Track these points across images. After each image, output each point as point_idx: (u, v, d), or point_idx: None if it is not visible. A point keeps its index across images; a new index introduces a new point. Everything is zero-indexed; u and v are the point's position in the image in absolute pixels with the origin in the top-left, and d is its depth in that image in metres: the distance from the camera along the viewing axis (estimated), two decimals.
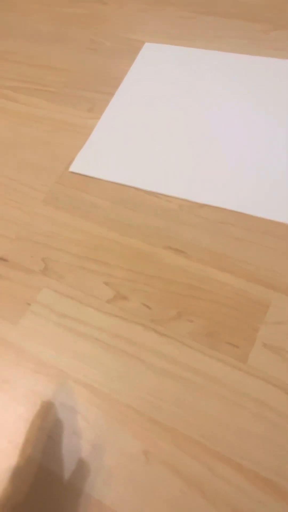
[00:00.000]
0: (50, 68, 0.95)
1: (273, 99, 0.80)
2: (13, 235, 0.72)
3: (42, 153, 0.81)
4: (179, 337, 0.59)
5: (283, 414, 0.52)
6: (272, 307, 0.60)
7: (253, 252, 0.64)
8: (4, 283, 0.67)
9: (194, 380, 0.56)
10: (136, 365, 0.58)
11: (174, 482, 0.50)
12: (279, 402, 0.53)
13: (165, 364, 0.57)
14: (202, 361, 0.57)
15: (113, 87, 0.88)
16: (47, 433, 0.55)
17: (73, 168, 0.78)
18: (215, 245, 0.66)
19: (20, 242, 0.71)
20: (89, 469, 0.52)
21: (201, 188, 0.71)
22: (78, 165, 0.78)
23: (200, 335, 0.59)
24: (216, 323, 0.60)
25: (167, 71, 0.88)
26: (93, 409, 0.56)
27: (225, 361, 0.57)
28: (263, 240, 0.65)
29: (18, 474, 0.53)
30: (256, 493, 0.49)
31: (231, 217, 0.68)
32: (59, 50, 0.98)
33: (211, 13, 0.98)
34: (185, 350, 0.58)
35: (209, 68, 0.87)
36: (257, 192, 0.69)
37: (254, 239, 0.65)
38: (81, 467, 0.52)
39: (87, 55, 0.95)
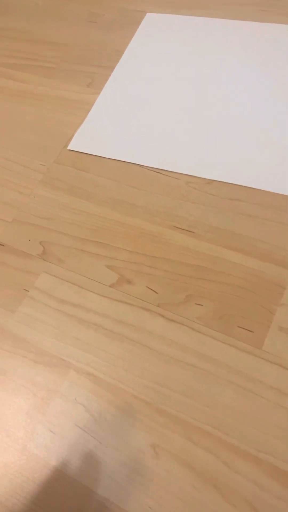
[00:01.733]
0: (48, 43, 0.90)
1: (284, 67, 0.75)
2: (9, 218, 0.68)
3: (39, 131, 0.77)
4: (188, 322, 0.55)
5: None
6: None
7: (267, 230, 0.59)
8: (0, 268, 0.63)
9: (205, 367, 0.52)
10: (142, 353, 0.54)
11: (186, 477, 0.46)
12: None
13: (174, 351, 0.53)
14: (214, 347, 0.53)
15: (114, 60, 0.83)
16: (48, 426, 0.51)
17: (72, 146, 0.73)
18: (226, 223, 0.61)
19: (17, 225, 0.67)
20: (93, 465, 0.48)
21: (209, 163, 0.66)
22: (77, 143, 0.73)
23: (211, 320, 0.55)
24: (228, 306, 0.55)
25: (170, 42, 0.83)
26: (97, 400, 0.52)
27: (238, 347, 0.52)
28: (278, 216, 0.60)
29: (17, 470, 0.49)
30: (276, 488, 0.45)
31: (242, 193, 0.63)
32: (57, 24, 0.93)
33: None
34: (195, 336, 0.54)
35: (215, 37, 0.82)
36: (268, 166, 0.64)
37: (268, 216, 0.60)
38: (85, 462, 0.49)
39: (86, 29, 0.90)
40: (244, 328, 0.53)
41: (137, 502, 0.46)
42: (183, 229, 0.62)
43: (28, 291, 0.61)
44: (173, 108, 0.74)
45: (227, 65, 0.77)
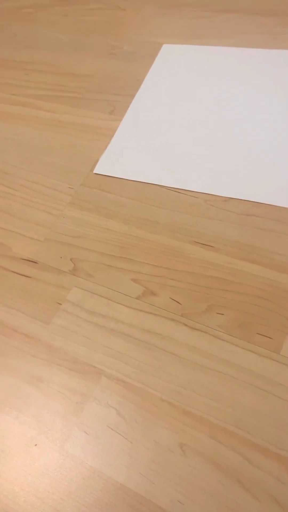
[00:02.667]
0: (73, 75, 0.97)
1: None
2: (41, 237, 0.73)
3: (67, 157, 0.83)
4: (210, 330, 0.59)
5: None
6: None
7: (283, 243, 0.63)
8: (35, 284, 0.69)
9: (227, 372, 0.55)
10: (168, 359, 0.58)
11: (212, 474, 0.50)
12: None
13: (197, 357, 0.57)
14: (235, 353, 0.57)
15: (134, 89, 0.89)
16: (83, 428, 0.55)
17: (97, 169, 0.79)
18: (244, 237, 0.66)
19: (49, 243, 0.72)
20: (126, 463, 0.52)
21: (226, 182, 0.71)
22: (102, 167, 0.79)
23: (232, 327, 0.59)
24: (248, 315, 0.59)
25: (186, 70, 0.89)
26: (127, 404, 0.56)
27: (258, 352, 0.56)
28: None
29: (56, 468, 0.54)
30: None
31: (258, 209, 0.67)
32: (80, 57, 1.00)
33: (228, 11, 0.98)
34: (217, 343, 0.58)
35: (228, 64, 0.88)
36: (282, 183, 0.69)
37: (283, 230, 0.65)
38: (118, 461, 0.52)
39: (107, 60, 0.97)
40: (263, 335, 0.57)
41: (167, 497, 0.49)
42: (203, 244, 0.66)
43: (61, 304, 0.66)
44: (190, 131, 0.79)
45: (241, 90, 0.83)
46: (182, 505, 0.49)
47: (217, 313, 0.60)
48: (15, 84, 1.00)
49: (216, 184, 0.71)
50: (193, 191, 0.72)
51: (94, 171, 0.79)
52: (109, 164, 0.79)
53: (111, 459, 0.53)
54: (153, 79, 0.89)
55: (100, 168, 0.79)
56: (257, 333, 0.57)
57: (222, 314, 0.60)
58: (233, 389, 0.54)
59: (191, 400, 0.55)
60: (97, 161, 0.81)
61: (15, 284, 0.69)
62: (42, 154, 0.85)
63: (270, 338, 0.57)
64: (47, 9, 1.15)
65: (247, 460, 0.50)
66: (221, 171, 0.72)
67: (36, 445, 0.56)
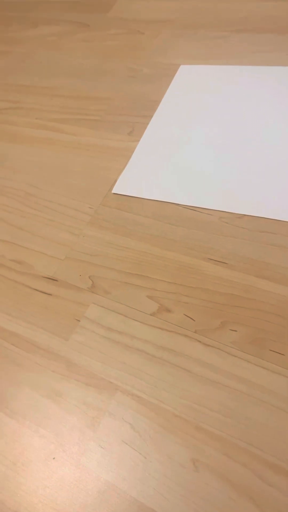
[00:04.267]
0: (93, 98, 1.01)
1: None
2: (62, 255, 0.76)
3: (87, 178, 0.86)
4: (223, 346, 0.60)
5: None
6: None
7: None
8: (55, 301, 0.71)
9: (240, 388, 0.56)
10: (182, 375, 0.59)
11: (224, 490, 0.50)
12: None
13: (211, 374, 0.58)
14: (247, 369, 0.57)
15: (151, 110, 0.92)
16: (99, 443, 0.57)
17: (116, 189, 0.82)
18: (257, 254, 0.66)
19: (69, 262, 0.75)
20: (140, 477, 0.53)
21: (239, 199, 0.72)
22: (120, 187, 0.82)
23: (245, 344, 0.59)
24: (261, 331, 0.60)
25: (202, 90, 0.91)
26: (141, 419, 0.57)
27: (270, 369, 0.56)
28: None
29: (72, 482, 0.55)
30: None
31: (271, 226, 0.68)
32: (101, 81, 1.04)
33: (243, 30, 1.00)
34: (230, 359, 0.59)
35: (245, 83, 0.89)
36: None
37: None
38: (132, 475, 0.54)
39: (126, 83, 1.00)
40: (275, 351, 0.58)
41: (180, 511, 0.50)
42: (217, 261, 0.68)
43: (79, 320, 0.68)
44: (206, 150, 0.81)
45: (256, 108, 0.84)
46: None
47: (230, 330, 0.61)
48: (39, 109, 1.05)
49: (231, 202, 0.72)
50: (209, 209, 0.73)
51: (113, 191, 0.82)
52: (126, 184, 0.82)
53: (126, 474, 0.54)
54: (170, 100, 0.92)
55: (118, 188, 0.82)
56: (270, 350, 0.58)
57: (235, 330, 0.61)
58: (246, 405, 0.55)
59: (204, 416, 0.55)
60: (115, 181, 0.83)
61: (36, 301, 0.72)
62: (64, 176, 0.89)
63: (282, 354, 0.57)
64: (70, 36, 1.20)
65: (259, 477, 0.50)
66: (236, 189, 0.74)
67: (54, 458, 0.58)
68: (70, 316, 0.69)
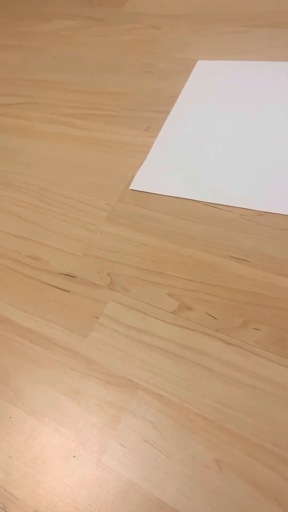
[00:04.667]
0: (108, 93, 1.00)
1: None
2: (79, 252, 0.76)
3: (104, 174, 0.85)
4: (246, 345, 0.59)
5: None
6: None
7: None
8: (73, 298, 0.71)
9: (263, 388, 0.55)
10: (204, 374, 0.58)
11: (248, 491, 0.49)
12: None
13: (233, 373, 0.57)
14: (271, 369, 0.56)
15: (169, 105, 0.91)
16: (120, 441, 0.56)
17: (133, 185, 0.81)
18: (279, 252, 0.65)
19: (87, 258, 0.74)
20: (162, 478, 0.53)
21: (261, 196, 0.71)
22: (138, 183, 0.81)
23: (268, 343, 0.58)
24: (284, 330, 0.59)
25: (220, 85, 0.90)
26: (163, 418, 0.56)
27: None
28: None
29: (93, 480, 0.55)
30: None
31: None
32: (116, 76, 1.03)
33: (262, 25, 0.99)
34: (253, 358, 0.58)
35: (263, 78, 0.88)
36: None
37: None
38: (154, 475, 0.53)
39: (142, 78, 0.99)
40: None
41: None
42: (238, 258, 0.67)
43: (98, 318, 0.67)
44: (225, 146, 0.80)
45: (275, 103, 0.83)
46: None
47: (253, 328, 0.60)
48: (54, 104, 1.04)
49: (252, 198, 0.71)
50: (229, 206, 0.72)
51: (130, 187, 0.81)
52: (144, 180, 0.81)
53: (148, 473, 0.53)
54: (188, 95, 0.91)
55: (136, 184, 0.81)
56: None
57: (258, 329, 0.60)
58: (269, 405, 0.54)
59: (227, 415, 0.55)
60: (133, 177, 0.83)
61: (53, 298, 0.71)
62: (80, 171, 0.88)
63: None
64: (84, 31, 1.19)
65: (284, 478, 0.49)
66: (256, 185, 0.72)
67: (74, 456, 0.57)
68: (89, 313, 0.68)
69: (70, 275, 0.73)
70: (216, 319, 0.62)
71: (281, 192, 0.70)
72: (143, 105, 0.94)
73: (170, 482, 0.52)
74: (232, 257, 0.67)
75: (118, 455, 0.56)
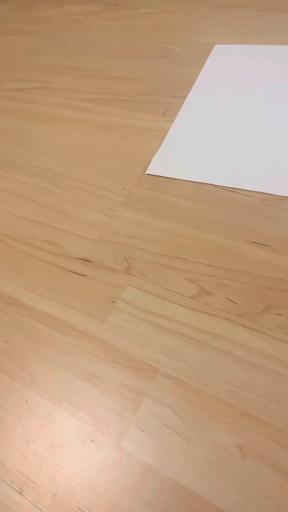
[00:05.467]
0: (124, 78, 0.98)
1: None
2: (96, 237, 0.75)
3: (120, 158, 0.84)
4: (268, 331, 0.58)
5: None
6: None
7: None
8: (90, 282, 0.70)
9: (286, 373, 0.54)
10: (225, 359, 0.57)
11: (273, 477, 0.48)
12: None
13: (255, 358, 0.56)
14: None
15: (185, 90, 0.90)
16: (139, 426, 0.55)
17: (150, 170, 0.79)
18: None
19: (103, 243, 0.73)
20: (182, 462, 0.52)
21: (283, 180, 0.70)
22: (155, 167, 0.80)
23: None
24: None
25: (238, 69, 0.88)
26: (183, 403, 0.56)
27: None
28: None
29: (112, 465, 0.54)
30: None
31: None
32: (132, 61, 1.02)
33: (280, 10, 0.97)
34: (275, 344, 0.57)
35: (281, 62, 0.86)
36: None
37: None
38: (175, 460, 0.52)
39: (158, 63, 0.98)
40: None
41: (226, 498, 0.49)
42: (259, 243, 0.65)
43: (115, 302, 0.66)
44: (244, 130, 0.78)
45: None
46: (242, 507, 0.48)
47: (275, 314, 0.59)
48: (68, 89, 1.02)
49: (273, 183, 0.70)
50: (249, 190, 0.71)
51: (147, 172, 0.80)
52: (161, 164, 0.79)
53: (168, 458, 0.53)
54: (205, 80, 0.89)
55: (153, 169, 0.80)
56: None
57: (281, 314, 0.59)
58: None
59: (250, 401, 0.54)
60: (149, 162, 0.81)
61: (70, 283, 0.70)
62: (95, 156, 0.86)
63: None
64: (98, 15, 1.17)
65: None
66: (277, 170, 0.71)
67: (92, 441, 0.56)
68: (106, 298, 0.67)
69: (86, 260, 0.72)
70: (237, 304, 0.61)
71: None
72: (159, 90, 0.93)
73: (191, 467, 0.51)
74: (253, 242, 0.66)
75: (138, 439, 0.55)
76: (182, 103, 0.88)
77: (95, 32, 1.14)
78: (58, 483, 0.55)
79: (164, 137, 0.84)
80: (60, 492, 0.54)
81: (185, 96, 0.88)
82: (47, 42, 1.18)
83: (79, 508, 0.52)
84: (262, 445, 0.50)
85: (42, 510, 0.53)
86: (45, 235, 0.78)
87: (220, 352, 0.58)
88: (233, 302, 0.61)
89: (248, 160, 0.74)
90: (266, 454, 0.50)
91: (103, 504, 0.52)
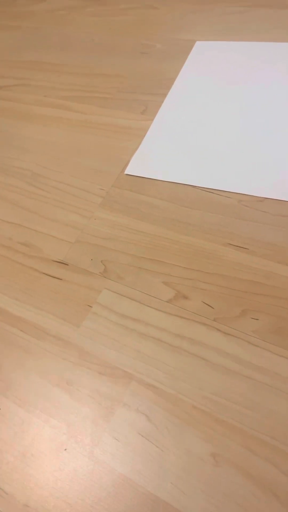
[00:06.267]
0: (104, 75, 0.97)
1: None
2: (72, 239, 0.73)
3: (98, 158, 0.82)
4: (244, 336, 0.57)
5: None
6: None
7: None
8: (65, 286, 0.68)
9: (261, 379, 0.53)
10: (200, 365, 0.56)
11: (246, 485, 0.48)
12: None
13: (231, 364, 0.55)
14: (270, 360, 0.54)
15: (166, 88, 0.88)
16: (113, 434, 0.54)
17: (129, 170, 0.78)
18: (279, 239, 0.63)
19: (80, 245, 0.72)
20: (156, 471, 0.51)
21: (261, 181, 0.69)
22: (133, 168, 0.78)
23: (267, 333, 0.56)
24: (284, 320, 0.57)
25: (219, 67, 0.87)
26: (158, 410, 0.55)
27: None
28: None
29: (85, 474, 0.53)
30: None
31: None
32: (112, 57, 1.00)
33: (262, 5, 0.95)
34: (251, 349, 0.56)
35: (263, 60, 0.85)
36: None
37: None
38: (148, 469, 0.51)
39: (139, 60, 0.96)
40: None
41: (198, 508, 0.48)
42: (236, 246, 0.64)
43: (91, 306, 0.65)
44: (224, 130, 0.77)
45: (275, 86, 0.80)
46: None
47: (252, 318, 0.58)
48: (47, 86, 1.00)
49: (251, 184, 0.69)
50: (227, 191, 0.70)
51: (125, 172, 0.78)
52: (140, 165, 0.78)
53: (141, 467, 0.52)
54: (186, 77, 0.88)
55: (131, 169, 0.78)
56: None
57: (257, 319, 0.58)
58: (268, 397, 0.52)
59: (224, 408, 0.53)
60: (128, 162, 0.80)
61: (46, 286, 0.69)
62: (74, 156, 0.85)
63: None
64: (80, 11, 1.15)
65: (283, 472, 0.47)
66: (256, 171, 0.70)
67: (66, 449, 0.55)
68: (82, 302, 0.66)
69: (62, 263, 0.71)
70: (213, 308, 0.60)
71: (281, 178, 0.68)
72: (140, 87, 0.91)
73: (164, 476, 0.51)
74: (230, 244, 0.65)
75: (111, 448, 0.54)
76: (162, 101, 0.86)
77: (77, 28, 1.12)
78: (30, 493, 0.53)
79: (144, 136, 0.82)
80: (32, 502, 0.53)
81: (165, 94, 0.87)
82: (28, 37, 1.16)
83: None
84: (236, 453, 0.50)
85: None
86: (22, 237, 0.76)
87: (196, 357, 0.57)
88: (210, 306, 0.60)
89: (227, 160, 0.73)
90: (239, 462, 0.49)
91: None
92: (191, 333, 0.59)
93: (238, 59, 0.86)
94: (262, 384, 0.53)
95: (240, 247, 0.64)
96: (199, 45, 0.92)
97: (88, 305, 0.65)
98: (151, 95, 0.88)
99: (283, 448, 0.49)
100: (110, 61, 0.99)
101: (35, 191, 0.82)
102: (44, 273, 0.71)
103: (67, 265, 0.71)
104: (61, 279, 0.69)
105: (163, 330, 0.60)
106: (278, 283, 0.60)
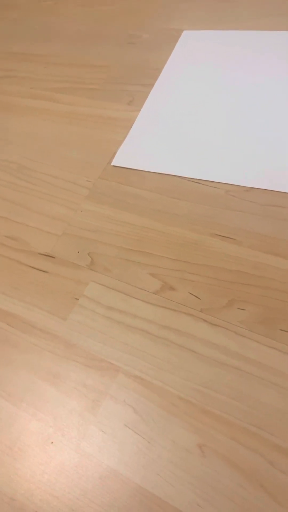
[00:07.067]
0: (90, 66, 0.95)
1: None
2: (59, 231, 0.72)
3: (85, 149, 0.82)
4: (231, 326, 0.57)
5: None
6: None
7: None
8: (53, 279, 0.68)
9: (248, 369, 0.53)
10: (187, 356, 0.56)
11: (232, 476, 0.48)
12: None
13: (218, 354, 0.55)
14: (257, 350, 0.54)
15: (153, 78, 0.87)
16: (100, 427, 0.54)
17: (115, 162, 0.77)
18: (266, 229, 0.63)
19: (67, 238, 0.71)
20: (143, 464, 0.51)
21: (248, 171, 0.68)
22: (120, 159, 0.77)
23: (254, 323, 0.56)
24: (271, 310, 0.56)
25: (206, 56, 0.86)
26: (145, 402, 0.54)
27: (281, 349, 0.53)
28: None
29: (72, 467, 0.52)
30: None
31: (281, 199, 0.64)
32: (98, 48, 0.98)
33: None
34: (238, 339, 0.55)
35: (251, 48, 0.84)
36: None
37: None
38: (135, 461, 0.51)
39: (126, 50, 0.95)
40: (286, 331, 0.54)
41: (186, 499, 0.48)
42: (224, 236, 0.64)
43: (78, 299, 0.64)
44: (210, 120, 0.76)
45: (262, 74, 0.79)
46: (201, 508, 0.47)
47: (238, 309, 0.57)
48: (34, 78, 0.99)
49: (238, 174, 0.68)
50: (214, 182, 0.69)
51: (112, 164, 0.77)
52: (127, 156, 0.77)
53: (128, 459, 0.51)
54: (173, 67, 0.87)
55: (118, 160, 0.77)
56: (280, 329, 0.55)
57: (244, 309, 0.57)
58: (255, 387, 0.52)
59: (211, 399, 0.52)
60: (115, 153, 0.79)
61: (32, 279, 0.68)
62: (60, 147, 0.84)
63: None
64: (66, 1, 1.14)
65: (270, 463, 0.47)
66: (242, 161, 0.69)
67: (52, 443, 0.55)
68: (68, 294, 0.65)
69: (49, 256, 0.70)
70: (200, 299, 0.60)
71: (268, 167, 0.67)
72: (126, 78, 0.90)
73: (151, 468, 0.50)
74: (218, 235, 0.64)
75: (98, 440, 0.53)
76: (149, 92, 0.85)
77: (63, 18, 1.10)
78: (17, 487, 0.53)
79: (130, 127, 0.81)
80: (19, 495, 0.53)
81: (152, 85, 0.86)
82: (14, 28, 1.14)
83: None
84: (223, 444, 0.49)
85: None
86: (8, 230, 0.75)
87: (183, 349, 0.57)
88: (196, 297, 0.60)
89: (214, 150, 0.72)
90: (226, 453, 0.49)
91: (62, 508, 0.50)
92: (177, 324, 0.58)
93: (226, 48, 0.86)
94: (249, 374, 0.53)
95: (227, 237, 0.64)
96: (186, 35, 0.91)
97: (75, 298, 0.65)
98: (138, 85, 0.87)
99: (270, 438, 0.49)
100: (97, 52, 0.98)
101: (21, 183, 0.81)
102: (30, 266, 0.70)
103: (54, 258, 0.70)
104: (47, 272, 0.68)
105: (150, 322, 0.60)
106: (266, 273, 0.59)
